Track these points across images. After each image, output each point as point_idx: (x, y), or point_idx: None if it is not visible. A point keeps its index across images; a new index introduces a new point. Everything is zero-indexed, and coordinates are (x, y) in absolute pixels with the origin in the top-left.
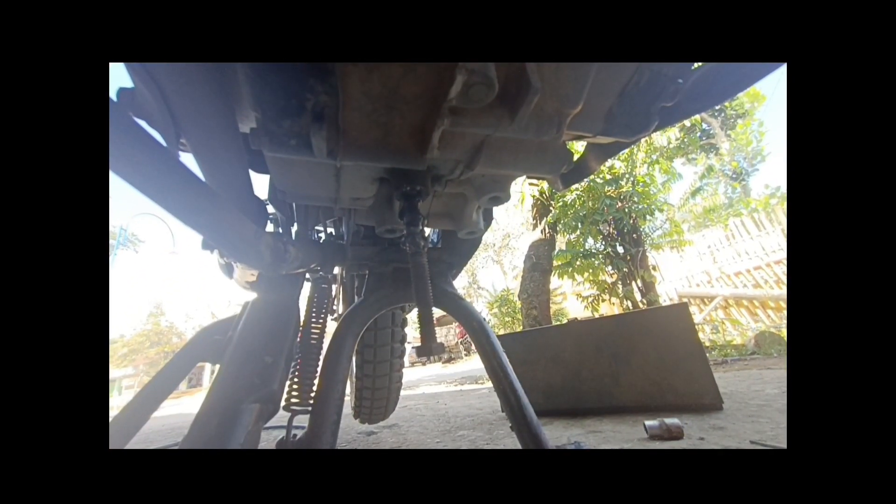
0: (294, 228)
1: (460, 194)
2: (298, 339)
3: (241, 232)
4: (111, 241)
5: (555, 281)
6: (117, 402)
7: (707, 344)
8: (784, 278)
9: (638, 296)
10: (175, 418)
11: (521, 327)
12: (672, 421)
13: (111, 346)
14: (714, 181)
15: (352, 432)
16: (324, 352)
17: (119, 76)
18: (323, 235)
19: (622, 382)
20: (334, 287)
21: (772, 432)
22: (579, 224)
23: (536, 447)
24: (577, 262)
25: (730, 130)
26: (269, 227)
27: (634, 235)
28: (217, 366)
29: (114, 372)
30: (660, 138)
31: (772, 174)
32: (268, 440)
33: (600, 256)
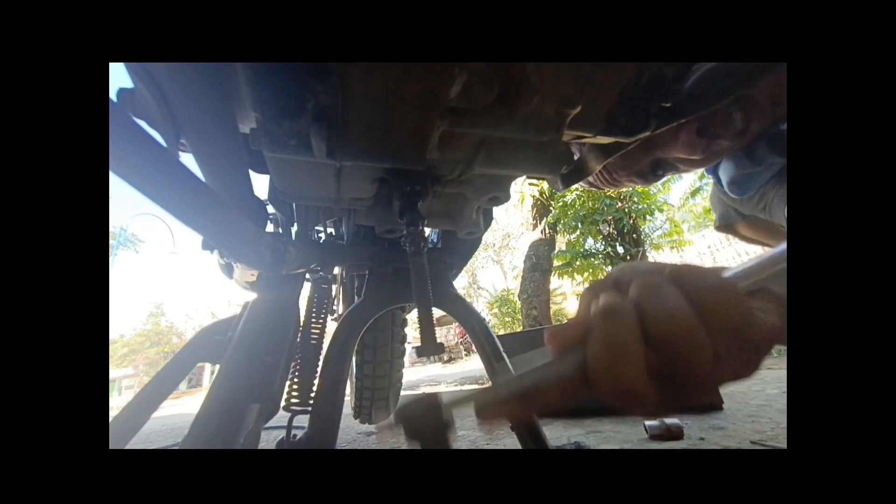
0: (294, 228)
1: (460, 194)
2: (298, 339)
3: (241, 232)
4: (111, 242)
5: (555, 281)
6: (117, 402)
7: None
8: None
9: None
10: (175, 418)
11: (521, 327)
12: (672, 421)
13: (111, 346)
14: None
15: (352, 432)
16: (324, 352)
17: (119, 76)
18: (323, 235)
19: None
20: (334, 287)
21: (772, 432)
22: (579, 224)
23: (536, 447)
24: (577, 263)
25: None
26: (269, 227)
27: (634, 235)
28: (217, 366)
29: (114, 372)
30: None
31: None
32: (268, 440)
33: (600, 256)
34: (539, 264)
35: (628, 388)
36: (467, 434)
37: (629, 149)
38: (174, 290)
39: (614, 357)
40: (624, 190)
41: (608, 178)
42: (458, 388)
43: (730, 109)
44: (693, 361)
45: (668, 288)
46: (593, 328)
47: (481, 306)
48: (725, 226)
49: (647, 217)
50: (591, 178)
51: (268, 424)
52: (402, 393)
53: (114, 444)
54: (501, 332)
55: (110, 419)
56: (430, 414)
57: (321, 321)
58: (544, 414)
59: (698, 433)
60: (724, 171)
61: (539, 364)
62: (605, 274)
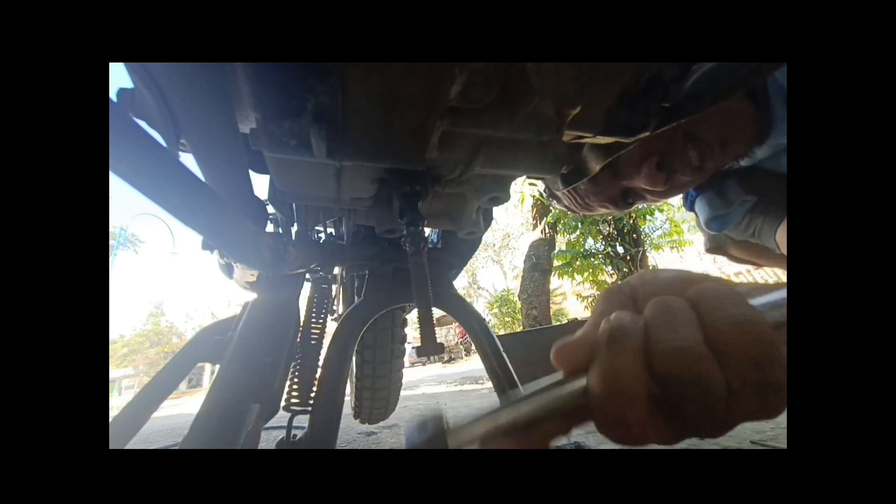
0: (294, 228)
1: (460, 194)
2: (298, 339)
3: (241, 232)
4: (111, 242)
5: (555, 281)
6: (117, 402)
7: None
8: (784, 278)
9: None
10: (175, 418)
11: (521, 327)
12: None
13: (111, 346)
14: None
15: (352, 432)
16: (324, 352)
17: (119, 76)
18: (323, 235)
19: None
20: (334, 287)
21: (772, 432)
22: (579, 224)
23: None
24: (577, 263)
25: None
26: (269, 227)
27: (634, 235)
28: (217, 366)
29: (114, 372)
30: None
31: None
32: (268, 440)
33: (600, 256)
34: (539, 264)
35: (628, 425)
36: None
37: (597, 175)
38: (174, 290)
39: (613, 391)
40: None
41: (581, 203)
42: (459, 388)
43: (685, 147)
44: (702, 400)
45: (683, 315)
46: (597, 351)
47: (481, 306)
48: (716, 247)
49: (647, 217)
50: (566, 202)
51: (268, 424)
52: (403, 393)
53: (114, 444)
54: (501, 332)
55: (110, 419)
56: (436, 446)
57: (321, 321)
58: (550, 442)
59: None
60: (700, 211)
61: (545, 385)
62: (604, 274)
